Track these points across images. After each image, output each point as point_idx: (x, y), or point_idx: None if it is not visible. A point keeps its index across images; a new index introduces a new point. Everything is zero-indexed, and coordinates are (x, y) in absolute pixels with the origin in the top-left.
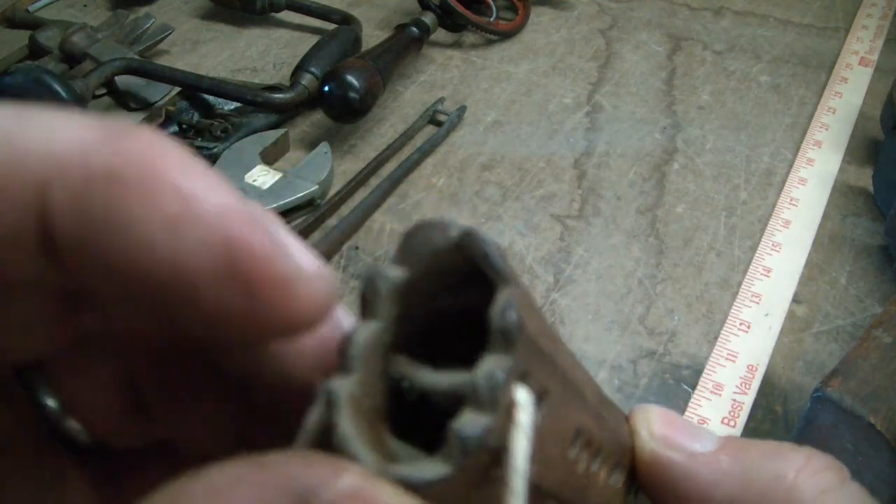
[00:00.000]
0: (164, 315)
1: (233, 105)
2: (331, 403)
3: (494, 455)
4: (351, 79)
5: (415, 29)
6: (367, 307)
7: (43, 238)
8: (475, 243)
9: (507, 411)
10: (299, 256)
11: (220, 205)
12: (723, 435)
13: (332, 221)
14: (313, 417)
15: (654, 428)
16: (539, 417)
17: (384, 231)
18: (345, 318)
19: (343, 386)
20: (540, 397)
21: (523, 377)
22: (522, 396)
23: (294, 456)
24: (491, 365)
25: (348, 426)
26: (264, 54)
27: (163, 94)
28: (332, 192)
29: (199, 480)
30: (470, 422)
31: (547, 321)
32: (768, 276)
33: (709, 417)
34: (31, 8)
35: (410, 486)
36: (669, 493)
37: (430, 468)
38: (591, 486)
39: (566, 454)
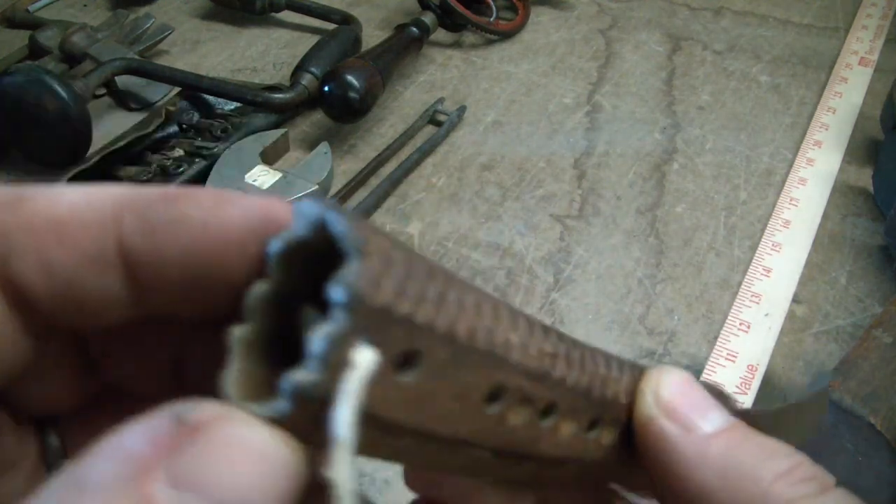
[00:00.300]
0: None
1: (233, 105)
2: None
3: (325, 406)
4: (351, 79)
5: (415, 29)
6: (267, 266)
7: (123, 260)
8: (327, 225)
9: (336, 370)
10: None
11: (240, 193)
12: (736, 420)
13: None
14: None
15: (663, 392)
16: (412, 377)
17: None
18: None
19: (238, 332)
20: (407, 360)
21: (376, 342)
22: (361, 358)
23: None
24: (322, 330)
25: (233, 367)
26: (264, 54)
27: (163, 94)
28: (332, 192)
29: (113, 428)
30: (295, 375)
31: (440, 285)
32: (768, 276)
33: None
34: (31, 8)
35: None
36: (655, 461)
37: (268, 408)
38: (544, 439)
39: (479, 409)
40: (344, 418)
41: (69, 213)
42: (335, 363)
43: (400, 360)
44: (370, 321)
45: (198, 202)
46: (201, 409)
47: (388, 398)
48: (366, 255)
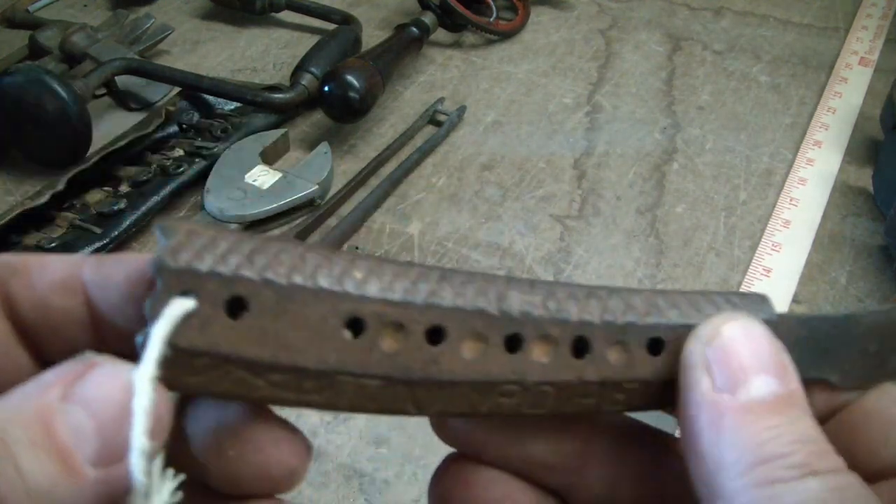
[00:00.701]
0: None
1: (233, 105)
2: None
3: (178, 351)
4: (351, 79)
5: (415, 29)
6: None
7: (83, 290)
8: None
9: (154, 320)
10: None
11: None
12: (784, 392)
13: (332, 221)
14: None
15: (714, 344)
16: (247, 318)
17: (384, 231)
18: None
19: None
20: (236, 304)
21: (195, 295)
22: (172, 307)
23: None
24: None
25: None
26: (264, 54)
27: (163, 94)
28: (332, 192)
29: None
30: (140, 333)
31: (251, 247)
32: (768, 276)
33: None
34: (31, 8)
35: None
36: (680, 409)
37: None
38: (445, 360)
39: (340, 338)
40: (150, 346)
41: (51, 257)
42: (155, 316)
43: (230, 306)
44: (181, 280)
45: (137, 254)
46: (95, 357)
47: (230, 337)
48: (168, 236)
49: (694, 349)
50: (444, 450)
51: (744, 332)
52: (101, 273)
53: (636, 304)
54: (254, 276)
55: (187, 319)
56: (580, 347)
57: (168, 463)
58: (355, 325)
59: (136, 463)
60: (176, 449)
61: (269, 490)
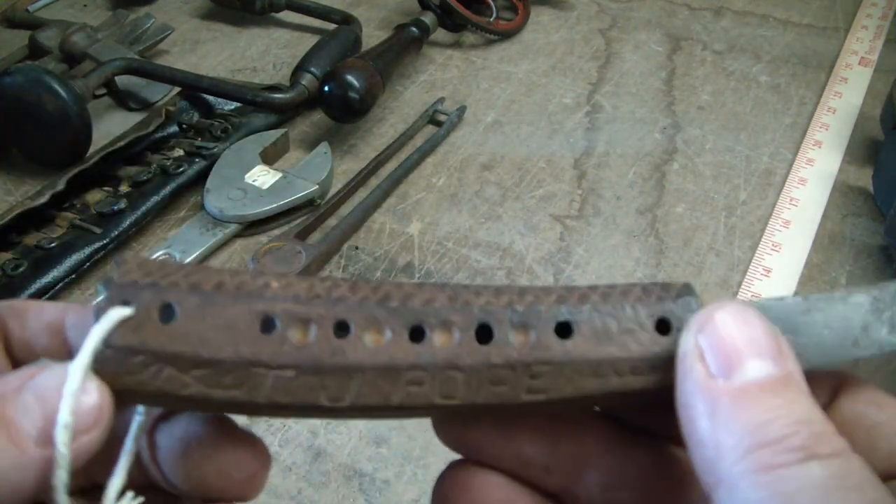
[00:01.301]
0: None
1: (233, 105)
2: None
3: (115, 350)
4: (351, 79)
5: (415, 29)
6: None
7: (63, 332)
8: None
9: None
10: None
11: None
12: (781, 374)
13: (332, 221)
14: None
15: (708, 331)
16: (175, 321)
17: (384, 231)
18: None
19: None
20: (167, 310)
21: (132, 303)
22: (110, 313)
23: None
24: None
25: None
26: (264, 54)
27: (163, 94)
28: (332, 192)
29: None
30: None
31: (190, 271)
32: (768, 276)
33: None
34: (31, 8)
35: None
36: (677, 398)
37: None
38: (351, 350)
39: (255, 334)
40: (87, 341)
41: (48, 304)
42: (97, 320)
43: (162, 312)
44: (123, 292)
45: (79, 311)
46: (49, 361)
47: (159, 337)
48: (121, 264)
49: (686, 337)
50: (444, 451)
51: (736, 316)
52: (80, 319)
53: (547, 295)
54: (183, 287)
55: (125, 323)
56: (484, 334)
57: (137, 474)
58: (268, 323)
59: (60, 436)
60: (148, 460)
61: (233, 494)
